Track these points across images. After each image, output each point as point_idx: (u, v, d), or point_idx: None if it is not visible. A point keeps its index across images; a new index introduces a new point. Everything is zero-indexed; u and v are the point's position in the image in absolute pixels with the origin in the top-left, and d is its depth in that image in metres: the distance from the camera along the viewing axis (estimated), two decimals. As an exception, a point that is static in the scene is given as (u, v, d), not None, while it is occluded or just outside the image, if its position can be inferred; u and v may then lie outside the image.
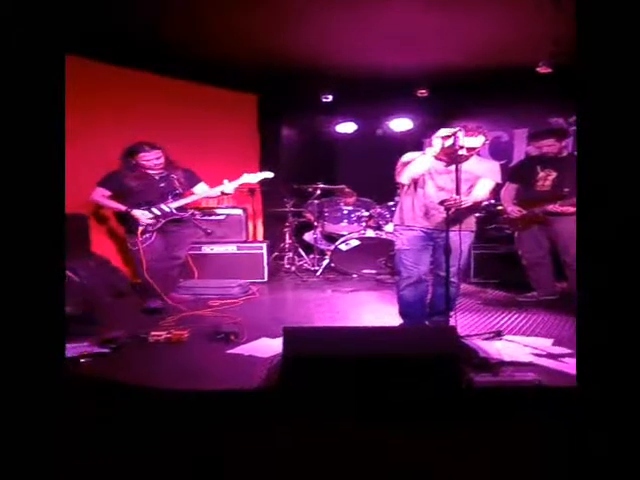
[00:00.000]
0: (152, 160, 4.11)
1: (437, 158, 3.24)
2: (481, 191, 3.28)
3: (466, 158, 3.14)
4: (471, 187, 3.28)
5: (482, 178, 3.29)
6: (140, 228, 4.08)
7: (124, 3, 3.80)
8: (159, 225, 4.15)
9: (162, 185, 4.19)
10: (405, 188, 3.43)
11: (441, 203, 3.10)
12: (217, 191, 4.21)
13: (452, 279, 3.21)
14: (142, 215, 4.08)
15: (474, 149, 3.17)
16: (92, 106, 4.80)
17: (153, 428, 2.39)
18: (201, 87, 5.81)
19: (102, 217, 4.99)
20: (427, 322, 3.55)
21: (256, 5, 3.88)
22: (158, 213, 4.14)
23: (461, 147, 2.93)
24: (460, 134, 2.94)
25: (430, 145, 3.25)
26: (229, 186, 4.17)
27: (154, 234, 4.14)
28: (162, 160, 4.15)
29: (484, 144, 3.22)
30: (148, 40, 4.59)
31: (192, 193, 4.33)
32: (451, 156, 3.09)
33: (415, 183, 3.33)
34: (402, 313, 3.54)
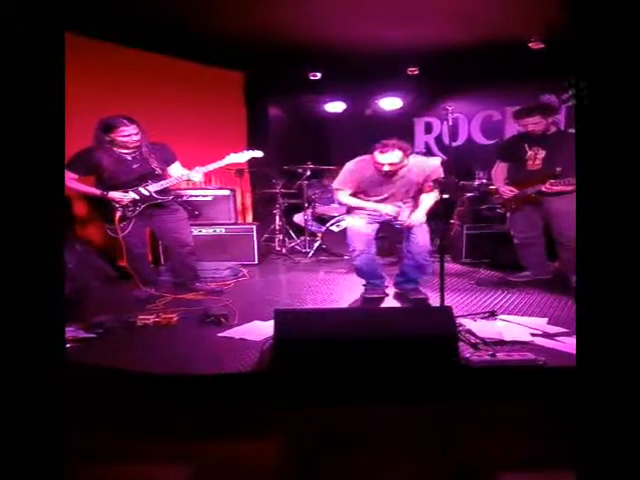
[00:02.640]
0: (131, 135, 3.71)
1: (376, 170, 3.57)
2: (427, 203, 3.68)
3: (394, 172, 3.54)
4: (414, 192, 3.71)
5: (425, 195, 3.68)
6: (117, 214, 3.79)
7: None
8: (138, 210, 3.85)
9: (136, 167, 3.82)
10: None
11: (395, 219, 3.69)
12: (193, 174, 3.85)
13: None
14: (122, 196, 3.77)
15: (396, 164, 3.47)
16: (75, 83, 4.55)
17: (141, 412, 2.34)
18: (185, 64, 5.62)
19: (82, 198, 4.56)
20: (397, 288, 3.99)
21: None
22: (136, 197, 3.83)
23: (382, 165, 3.46)
24: (376, 153, 3.45)
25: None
26: (210, 166, 3.85)
27: (133, 220, 3.85)
28: (140, 136, 3.76)
29: (405, 157, 3.49)
30: (130, 15, 4.38)
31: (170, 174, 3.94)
32: (382, 173, 3.54)
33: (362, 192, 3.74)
34: (360, 276, 3.98)
